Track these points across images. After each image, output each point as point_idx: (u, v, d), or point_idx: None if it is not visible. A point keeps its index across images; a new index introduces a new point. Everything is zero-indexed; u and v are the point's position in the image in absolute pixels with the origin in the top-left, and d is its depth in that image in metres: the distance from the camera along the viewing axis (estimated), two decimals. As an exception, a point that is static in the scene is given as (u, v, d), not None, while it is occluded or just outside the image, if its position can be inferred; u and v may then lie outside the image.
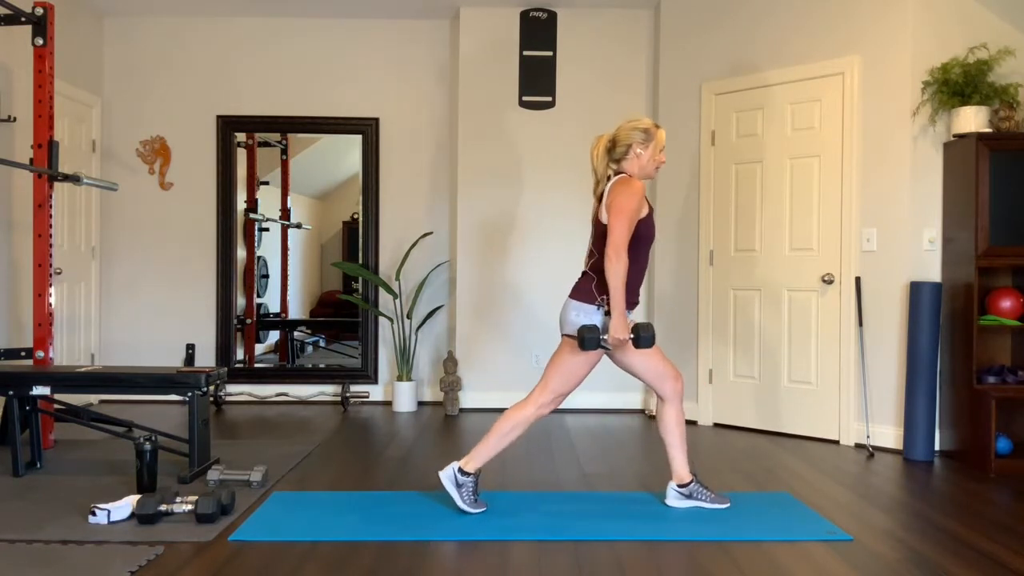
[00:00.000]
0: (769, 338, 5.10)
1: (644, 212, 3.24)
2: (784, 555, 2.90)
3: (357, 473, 4.03)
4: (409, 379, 5.92)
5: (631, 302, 3.28)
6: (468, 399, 5.96)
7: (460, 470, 3.31)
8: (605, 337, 3.17)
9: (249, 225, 6.28)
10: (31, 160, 4.47)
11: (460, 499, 3.31)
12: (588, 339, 3.11)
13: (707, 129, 5.40)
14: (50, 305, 4.43)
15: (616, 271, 3.10)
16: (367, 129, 6.18)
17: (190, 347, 6.16)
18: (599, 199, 3.31)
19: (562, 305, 3.37)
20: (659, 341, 5.63)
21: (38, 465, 3.99)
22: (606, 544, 3.00)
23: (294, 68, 6.20)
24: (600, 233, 3.26)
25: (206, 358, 6.19)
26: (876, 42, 4.68)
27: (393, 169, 6.22)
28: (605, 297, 3.20)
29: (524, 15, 5.93)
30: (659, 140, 3.31)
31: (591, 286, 3.24)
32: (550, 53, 5.96)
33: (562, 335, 3.33)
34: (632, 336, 3.16)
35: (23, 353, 4.54)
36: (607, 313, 3.20)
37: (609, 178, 3.31)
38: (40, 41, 4.41)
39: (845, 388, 4.77)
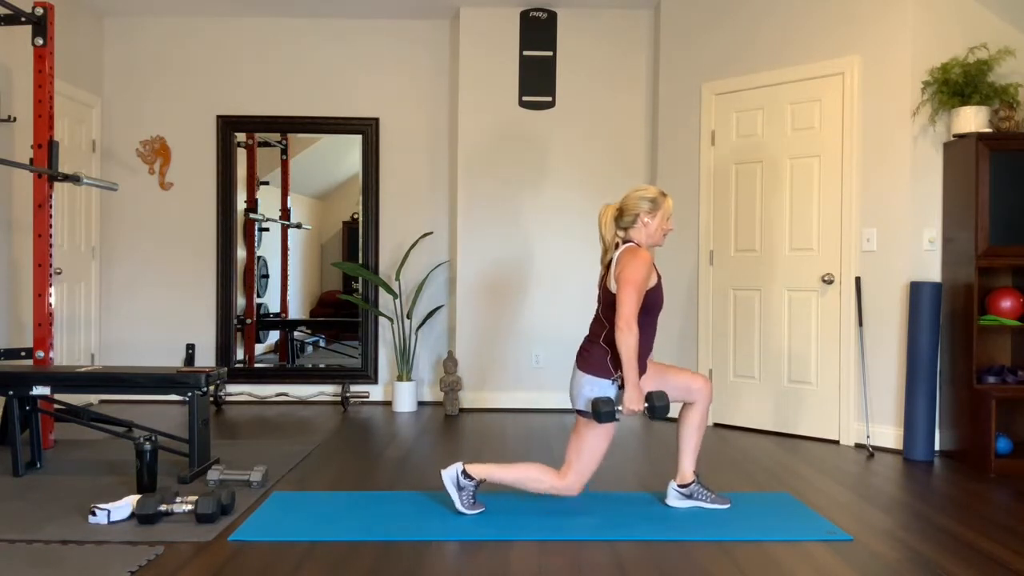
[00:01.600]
0: (769, 338, 5.10)
1: (653, 282, 3.23)
2: (784, 555, 2.90)
3: (357, 473, 4.03)
4: (409, 379, 5.92)
5: (640, 371, 3.26)
6: (468, 399, 5.96)
7: (464, 473, 3.30)
8: (619, 408, 3.15)
9: (249, 225, 6.28)
10: (31, 160, 4.47)
11: (459, 501, 3.30)
12: (604, 413, 3.09)
13: (707, 129, 5.40)
14: (50, 305, 4.43)
15: (627, 343, 3.09)
16: (367, 129, 6.18)
17: (190, 347, 6.16)
18: (607, 267, 3.30)
19: (571, 377, 3.34)
20: (659, 341, 5.63)
21: (38, 465, 3.99)
22: (606, 544, 3.00)
23: (294, 68, 6.20)
24: (609, 302, 3.24)
25: (206, 358, 6.19)
26: (876, 42, 4.68)
27: (393, 169, 6.22)
28: (620, 372, 3.19)
29: (524, 15, 5.94)
30: (666, 209, 3.30)
31: (606, 360, 3.22)
32: (550, 53, 5.96)
33: (575, 410, 3.30)
34: (647, 405, 3.16)
35: (23, 353, 4.54)
36: (622, 387, 3.20)
37: (617, 246, 3.30)
38: (40, 41, 4.41)
39: (845, 388, 4.77)
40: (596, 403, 3.11)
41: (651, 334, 3.30)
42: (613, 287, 3.20)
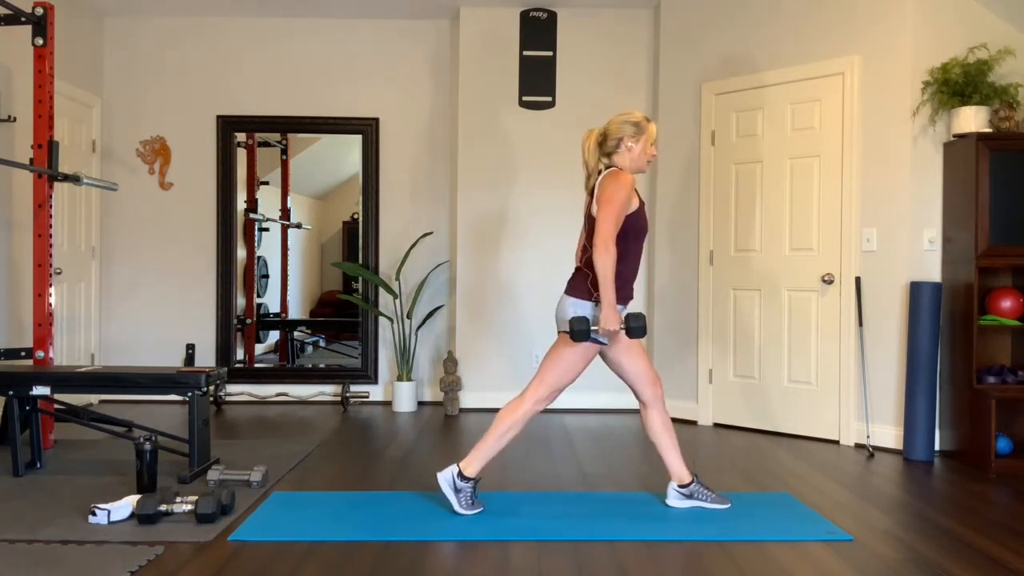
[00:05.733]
0: (769, 338, 5.10)
1: (634, 205, 3.23)
2: (784, 555, 2.90)
3: (357, 473, 4.03)
4: (409, 379, 5.92)
5: (625, 296, 3.29)
6: (468, 399, 5.96)
7: (460, 475, 3.30)
8: (596, 328, 3.17)
9: (249, 225, 6.28)
10: (31, 160, 4.47)
11: (457, 503, 3.30)
12: (579, 331, 3.11)
13: (707, 129, 5.40)
14: (50, 305, 4.43)
15: (604, 262, 3.10)
16: (367, 129, 6.18)
17: (190, 347, 6.16)
18: (591, 193, 3.30)
19: (558, 301, 3.37)
20: (659, 341, 5.63)
21: (38, 465, 3.99)
22: (606, 544, 3.00)
23: (294, 68, 6.20)
24: (593, 228, 3.25)
25: (206, 358, 6.19)
26: (876, 42, 4.68)
27: (393, 169, 6.22)
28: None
29: (524, 15, 5.93)
30: (650, 134, 3.31)
31: (587, 282, 3.24)
32: (550, 53, 5.96)
33: (558, 331, 3.33)
34: (623, 327, 3.16)
35: (23, 353, 4.54)
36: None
37: (600, 172, 3.31)
38: (40, 41, 4.41)
39: (845, 388, 4.77)
40: (572, 321, 3.13)
41: (635, 260, 3.31)
42: (596, 212, 3.21)
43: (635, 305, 5.80)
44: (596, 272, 3.13)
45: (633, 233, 3.26)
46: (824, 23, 4.88)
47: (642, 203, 3.29)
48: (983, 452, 4.13)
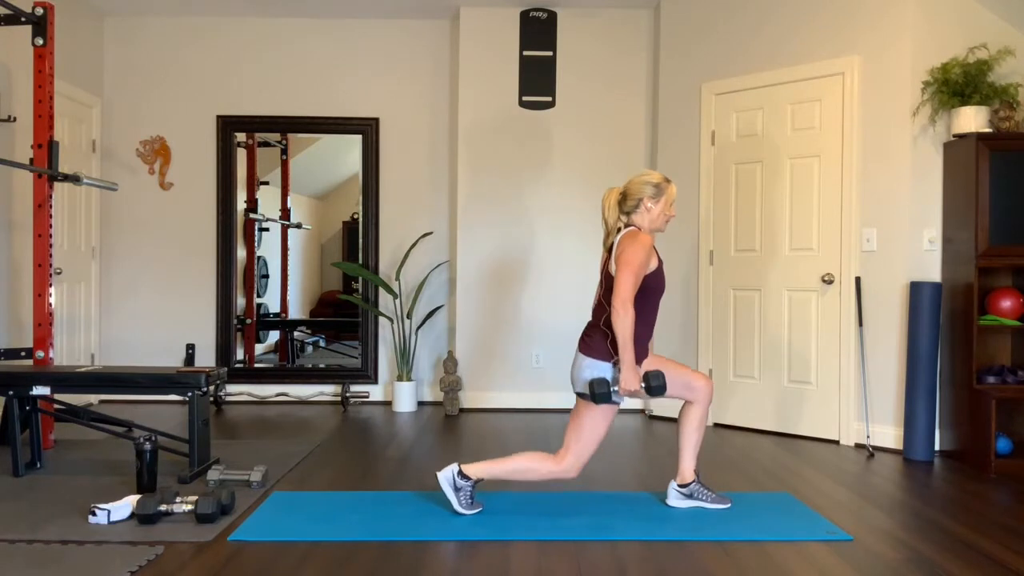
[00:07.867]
0: (769, 338, 5.10)
1: (653, 265, 3.24)
2: (784, 555, 2.90)
3: (357, 473, 4.03)
4: (409, 379, 5.92)
5: (640, 355, 3.28)
6: (468, 399, 5.96)
7: (460, 473, 3.30)
8: (616, 389, 3.17)
9: (249, 225, 6.28)
10: (31, 160, 4.47)
11: (457, 502, 3.30)
12: (600, 394, 3.11)
13: (707, 129, 5.40)
14: (50, 305, 4.43)
15: (624, 323, 3.10)
16: (367, 129, 6.18)
17: (190, 347, 6.16)
18: (609, 251, 3.31)
19: (573, 360, 3.35)
20: (659, 341, 5.63)
21: (38, 465, 3.99)
22: (606, 544, 3.00)
23: (294, 68, 6.20)
24: (610, 286, 3.24)
25: (206, 358, 6.19)
26: (876, 42, 4.68)
27: (393, 169, 6.22)
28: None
29: (524, 15, 5.93)
30: (669, 195, 3.32)
31: (606, 343, 3.23)
32: (550, 53, 5.96)
33: (576, 393, 3.30)
34: (643, 385, 3.17)
35: (23, 353, 4.54)
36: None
37: (619, 230, 3.32)
38: (40, 41, 4.41)
39: (845, 388, 4.77)
40: (592, 384, 3.12)
41: (652, 318, 3.31)
42: (614, 270, 3.21)
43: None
44: (615, 332, 3.13)
45: (650, 292, 3.27)
46: (824, 23, 4.88)
47: (660, 262, 3.30)
48: (983, 452, 4.13)
